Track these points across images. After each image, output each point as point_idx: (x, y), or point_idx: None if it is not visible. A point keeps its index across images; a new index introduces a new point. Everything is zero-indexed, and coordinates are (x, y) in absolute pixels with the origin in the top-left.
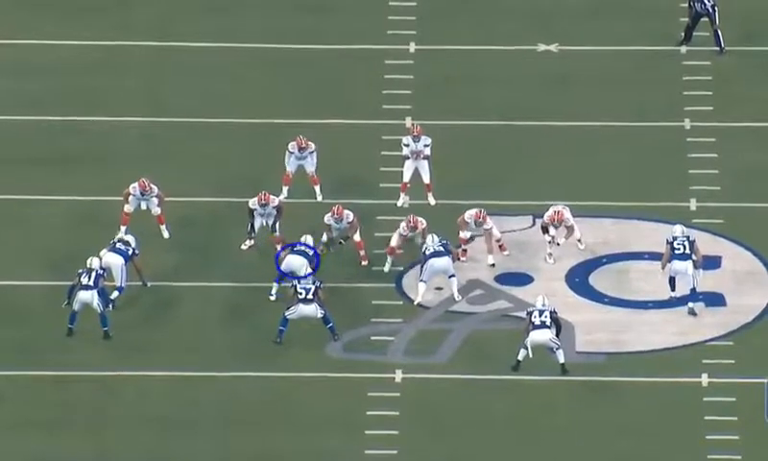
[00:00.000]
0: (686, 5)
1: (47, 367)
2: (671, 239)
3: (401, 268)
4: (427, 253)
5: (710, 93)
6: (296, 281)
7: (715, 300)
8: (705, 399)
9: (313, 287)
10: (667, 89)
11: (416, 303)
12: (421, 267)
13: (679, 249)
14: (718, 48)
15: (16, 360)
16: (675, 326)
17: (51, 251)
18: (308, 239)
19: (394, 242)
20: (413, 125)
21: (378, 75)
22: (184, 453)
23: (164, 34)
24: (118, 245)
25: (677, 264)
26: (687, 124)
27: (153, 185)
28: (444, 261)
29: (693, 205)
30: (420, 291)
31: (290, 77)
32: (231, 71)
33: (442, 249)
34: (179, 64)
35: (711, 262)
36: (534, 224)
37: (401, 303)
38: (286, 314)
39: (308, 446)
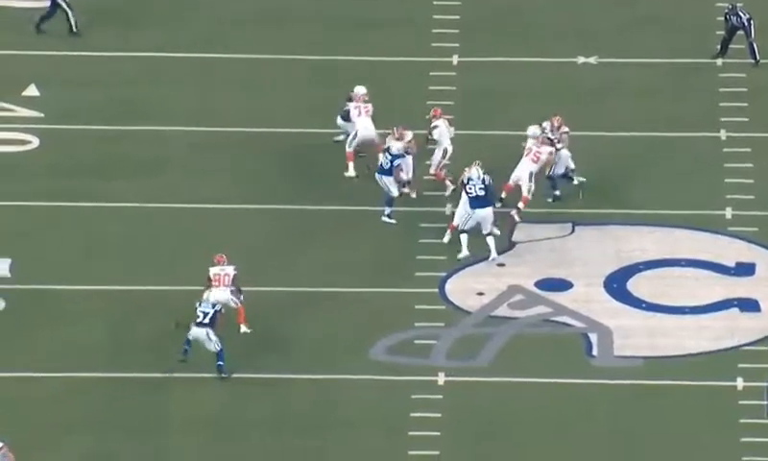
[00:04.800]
0: (723, 18)
1: (102, 369)
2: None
3: (444, 273)
4: (470, 193)
5: (746, 105)
6: (197, 303)
7: (750, 305)
8: (740, 402)
9: (212, 311)
10: (704, 101)
11: (460, 256)
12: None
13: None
14: (753, 60)
15: (73, 362)
16: (711, 331)
17: (106, 255)
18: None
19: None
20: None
21: (423, 86)
22: (231, 455)
23: (211, 45)
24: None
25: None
26: (723, 135)
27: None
28: (487, 211)
29: (729, 213)
30: (463, 243)
31: (335, 88)
32: (277, 82)
33: (484, 192)
34: (225, 75)
35: (746, 269)
36: (573, 231)
37: (444, 307)
38: (188, 335)
39: (353, 446)
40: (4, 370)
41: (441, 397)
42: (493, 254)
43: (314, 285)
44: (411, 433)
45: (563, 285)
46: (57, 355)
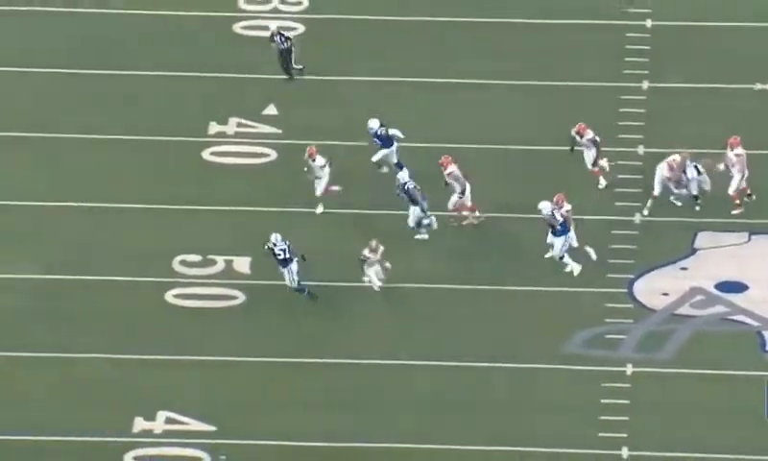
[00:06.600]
0: None
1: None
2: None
3: (633, 275)
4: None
5: None
6: (271, 245)
7: None
8: None
9: (286, 246)
10: None
11: (575, 273)
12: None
13: None
14: None
15: (299, 348)
16: None
17: (327, 254)
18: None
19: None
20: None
21: (614, 109)
22: (438, 434)
23: (443, 72)
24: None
25: None
26: None
27: None
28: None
29: None
30: (571, 262)
31: (536, 109)
32: (474, 105)
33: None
34: (455, 98)
35: None
36: (749, 239)
37: (632, 306)
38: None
39: (549, 427)
40: (244, 355)
41: (629, 385)
42: (593, 254)
43: (518, 284)
44: (601, 418)
45: (739, 287)
46: (287, 342)
